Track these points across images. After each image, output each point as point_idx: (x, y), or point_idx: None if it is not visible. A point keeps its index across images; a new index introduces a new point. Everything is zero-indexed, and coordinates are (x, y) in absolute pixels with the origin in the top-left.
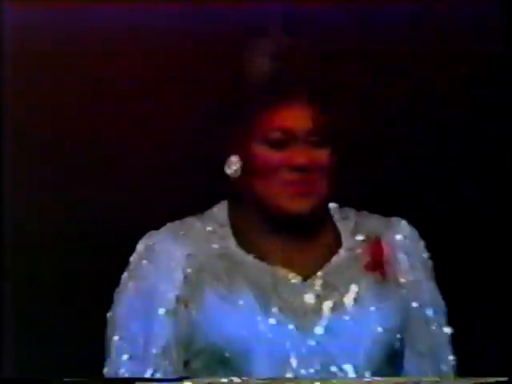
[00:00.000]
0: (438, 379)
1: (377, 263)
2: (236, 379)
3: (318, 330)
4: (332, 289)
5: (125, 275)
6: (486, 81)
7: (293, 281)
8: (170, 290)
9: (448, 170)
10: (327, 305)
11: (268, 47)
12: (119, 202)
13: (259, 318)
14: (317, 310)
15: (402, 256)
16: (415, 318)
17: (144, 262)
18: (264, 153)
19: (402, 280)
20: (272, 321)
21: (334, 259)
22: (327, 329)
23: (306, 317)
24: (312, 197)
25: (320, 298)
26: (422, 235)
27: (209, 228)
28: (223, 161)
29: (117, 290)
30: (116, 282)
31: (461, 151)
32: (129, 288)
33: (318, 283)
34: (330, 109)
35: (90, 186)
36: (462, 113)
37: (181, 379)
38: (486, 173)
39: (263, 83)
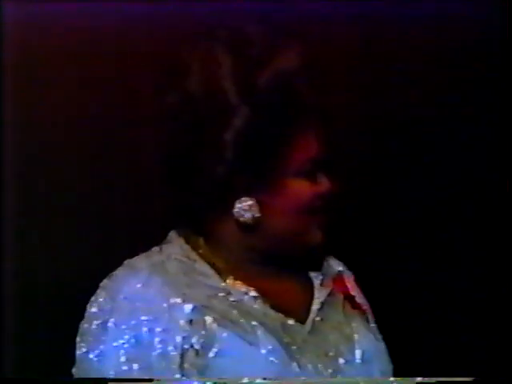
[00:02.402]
0: (441, 379)
1: (351, 300)
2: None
3: (341, 370)
4: (334, 329)
5: (98, 323)
6: (486, 83)
7: (290, 323)
8: (173, 337)
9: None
10: (339, 345)
11: (286, 68)
12: None
13: (285, 361)
14: (330, 352)
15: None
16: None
17: (131, 305)
18: (302, 185)
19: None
20: (295, 366)
21: (317, 297)
22: (347, 367)
23: (322, 359)
24: (322, 226)
25: (327, 338)
26: None
27: (184, 264)
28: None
29: (92, 333)
30: None
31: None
32: (117, 336)
33: (318, 324)
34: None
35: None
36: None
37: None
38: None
39: (286, 109)
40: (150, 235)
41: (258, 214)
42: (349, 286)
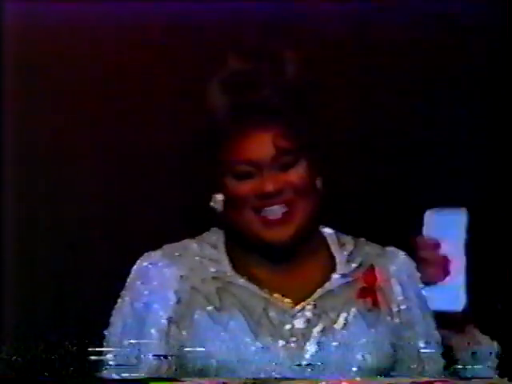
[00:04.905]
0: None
1: (369, 290)
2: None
3: (307, 354)
4: (322, 314)
5: (122, 293)
6: (486, 83)
7: (283, 305)
8: (162, 311)
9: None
10: (316, 330)
11: (222, 78)
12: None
13: (249, 341)
14: (306, 334)
15: (395, 286)
16: (407, 349)
17: (138, 282)
18: (233, 185)
19: (395, 309)
20: (261, 344)
21: (326, 285)
22: (316, 353)
23: (295, 341)
24: (291, 224)
25: (310, 323)
26: None
27: (204, 250)
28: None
29: (115, 306)
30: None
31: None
32: (124, 307)
33: (308, 308)
34: (295, 128)
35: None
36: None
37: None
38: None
39: (222, 116)
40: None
41: (221, 204)
42: (378, 279)
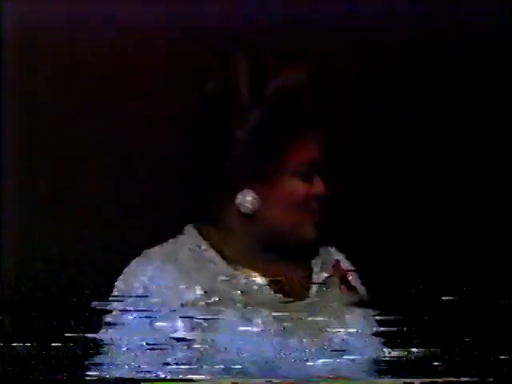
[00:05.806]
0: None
1: (347, 283)
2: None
3: (332, 348)
4: (328, 308)
5: (127, 301)
6: (487, 84)
7: (294, 304)
8: (182, 319)
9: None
10: (331, 324)
11: (292, 80)
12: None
13: (281, 339)
14: (323, 329)
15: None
16: None
17: (149, 288)
18: (296, 185)
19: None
20: (293, 341)
21: (315, 280)
22: (339, 346)
23: (317, 335)
24: (316, 225)
25: (322, 319)
26: None
27: (194, 253)
28: (231, 194)
29: (113, 319)
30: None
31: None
32: (133, 318)
33: (315, 305)
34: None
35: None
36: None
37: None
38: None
39: (289, 117)
40: (169, 229)
41: (256, 206)
42: (346, 271)
